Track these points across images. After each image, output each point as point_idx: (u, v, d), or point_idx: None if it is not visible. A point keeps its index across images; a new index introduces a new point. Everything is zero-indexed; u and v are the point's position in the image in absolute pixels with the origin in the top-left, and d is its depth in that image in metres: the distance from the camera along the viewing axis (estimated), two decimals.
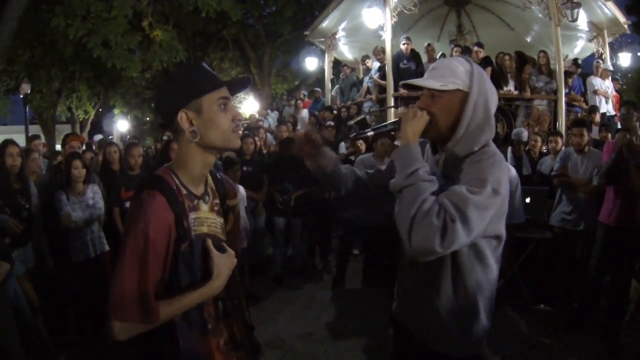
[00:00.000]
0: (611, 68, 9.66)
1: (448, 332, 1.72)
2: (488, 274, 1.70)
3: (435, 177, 1.58)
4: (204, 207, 1.60)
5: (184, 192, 1.53)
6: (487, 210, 1.50)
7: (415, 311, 1.84)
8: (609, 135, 6.41)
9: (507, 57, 8.78)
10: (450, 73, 1.67)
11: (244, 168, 5.42)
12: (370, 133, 1.94)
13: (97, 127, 24.21)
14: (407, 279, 1.89)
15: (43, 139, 11.09)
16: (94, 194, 4.53)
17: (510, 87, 8.44)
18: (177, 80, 1.52)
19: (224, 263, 1.56)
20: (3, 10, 9.44)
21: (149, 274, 1.39)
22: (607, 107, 8.94)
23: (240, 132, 1.61)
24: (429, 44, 9.73)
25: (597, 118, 7.85)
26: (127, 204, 4.88)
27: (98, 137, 10.72)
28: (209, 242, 1.55)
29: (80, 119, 21.47)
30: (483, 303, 1.71)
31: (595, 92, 8.90)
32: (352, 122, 8.97)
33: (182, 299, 1.46)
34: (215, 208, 1.66)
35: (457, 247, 1.48)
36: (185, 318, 1.52)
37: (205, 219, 1.60)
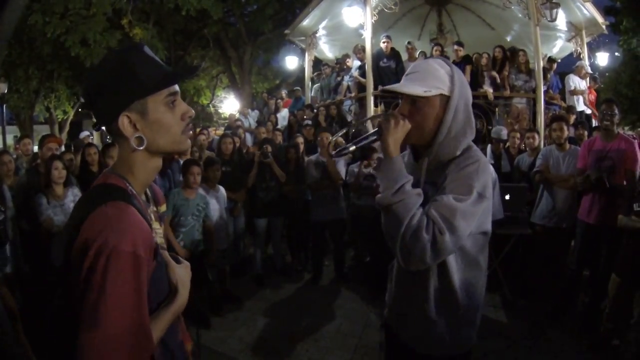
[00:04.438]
0: (589, 70, 9.82)
1: (439, 333, 1.73)
2: (475, 270, 1.72)
3: (421, 190, 1.59)
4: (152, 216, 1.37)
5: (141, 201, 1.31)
6: (474, 216, 1.54)
7: (406, 316, 1.84)
8: (585, 132, 6.50)
9: (485, 56, 8.86)
10: (432, 77, 1.64)
11: (223, 168, 5.39)
12: (352, 148, 1.79)
13: (76, 127, 23.83)
14: (397, 285, 1.90)
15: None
16: (75, 197, 4.46)
17: (487, 87, 8.48)
18: (116, 74, 1.20)
19: (184, 274, 1.37)
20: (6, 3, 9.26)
21: (144, 302, 1.14)
22: (584, 106, 9.09)
23: (190, 131, 1.39)
24: (409, 42, 9.77)
25: (572, 119, 7.93)
26: None
27: (84, 134, 10.43)
28: (166, 254, 1.35)
29: (59, 120, 21.13)
30: (472, 300, 1.73)
31: (572, 92, 9.04)
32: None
33: (159, 320, 1.24)
34: (154, 216, 1.42)
35: (445, 257, 1.54)
36: (165, 347, 1.31)
37: (156, 229, 1.35)
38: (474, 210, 1.54)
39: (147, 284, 1.16)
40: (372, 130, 1.74)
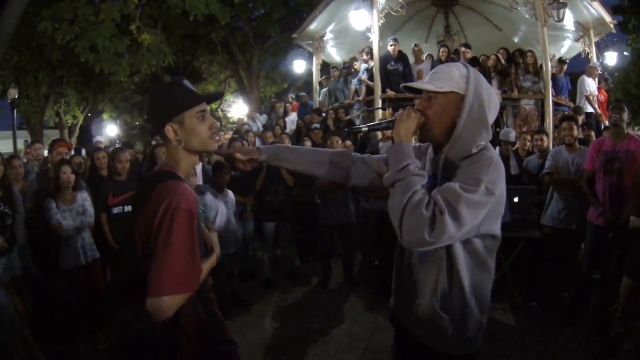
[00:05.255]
0: (599, 70, 9.78)
1: (444, 330, 1.75)
2: (484, 272, 1.76)
3: (425, 172, 1.66)
4: None
5: None
6: (480, 208, 1.56)
7: (411, 309, 1.86)
8: (592, 133, 6.47)
9: (492, 58, 8.85)
10: (447, 77, 1.74)
11: (232, 172, 5.40)
12: (365, 128, 2.11)
13: (86, 132, 24.03)
14: (403, 277, 1.92)
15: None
16: (84, 201, 4.49)
17: (494, 88, 8.46)
18: (163, 98, 1.82)
19: (215, 239, 1.99)
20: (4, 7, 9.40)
21: (197, 245, 1.67)
22: (592, 108, 9.05)
23: (217, 137, 1.79)
24: (415, 45, 9.76)
25: (581, 120, 7.90)
26: (115, 210, 4.83)
27: (97, 138, 10.45)
28: (202, 225, 1.91)
29: (69, 124, 21.33)
30: (478, 301, 1.76)
31: (587, 98, 9.00)
32: (350, 116, 9.03)
33: (206, 263, 1.85)
34: None
35: (447, 239, 1.53)
36: (198, 293, 1.78)
37: None
38: (480, 202, 1.56)
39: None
40: (387, 119, 1.89)
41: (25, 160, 6.54)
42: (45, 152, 7.51)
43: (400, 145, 1.69)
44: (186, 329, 1.73)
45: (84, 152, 12.37)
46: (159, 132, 1.82)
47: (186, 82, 1.84)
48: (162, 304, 1.54)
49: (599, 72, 9.69)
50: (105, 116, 23.18)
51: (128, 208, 4.92)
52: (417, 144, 2.02)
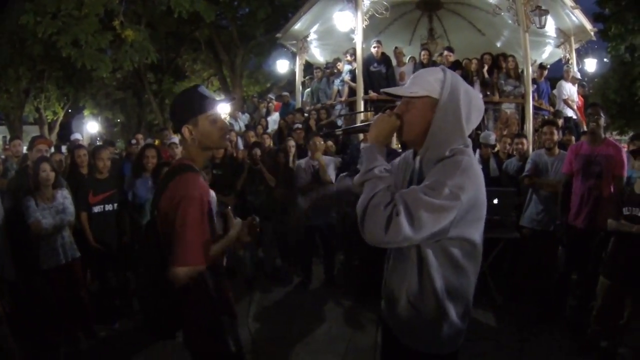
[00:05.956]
0: (579, 75, 9.94)
1: (417, 329, 1.80)
2: (461, 276, 1.76)
3: (390, 175, 1.70)
4: None
5: None
6: (442, 212, 1.55)
7: (392, 308, 1.89)
8: (572, 138, 6.58)
9: (474, 62, 8.95)
10: (423, 81, 1.78)
11: (214, 171, 5.37)
12: (339, 132, 2.51)
13: (66, 128, 23.69)
14: (387, 277, 1.97)
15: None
16: (64, 199, 4.40)
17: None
18: (181, 102, 2.20)
19: (239, 223, 2.41)
20: None
21: (207, 226, 2.08)
22: (572, 112, 9.19)
23: (227, 136, 2.19)
24: (396, 47, 9.81)
25: (561, 123, 8.01)
26: (95, 209, 4.78)
27: (75, 135, 10.24)
28: (227, 209, 2.47)
29: (49, 120, 21.00)
30: (455, 305, 1.76)
31: (565, 102, 9.14)
32: (323, 122, 9.02)
33: (219, 243, 2.25)
34: None
35: (404, 240, 1.55)
36: (210, 269, 2.15)
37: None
38: (442, 206, 1.55)
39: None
40: (368, 121, 1.93)
41: (3, 157, 6.43)
42: (25, 149, 7.39)
43: (370, 148, 1.76)
44: (194, 296, 2.13)
45: (64, 149, 12.20)
46: (177, 131, 2.18)
47: (201, 89, 2.20)
48: (179, 273, 1.94)
49: (578, 77, 9.84)
50: (86, 113, 22.88)
51: (109, 207, 4.87)
52: (410, 150, 2.03)
